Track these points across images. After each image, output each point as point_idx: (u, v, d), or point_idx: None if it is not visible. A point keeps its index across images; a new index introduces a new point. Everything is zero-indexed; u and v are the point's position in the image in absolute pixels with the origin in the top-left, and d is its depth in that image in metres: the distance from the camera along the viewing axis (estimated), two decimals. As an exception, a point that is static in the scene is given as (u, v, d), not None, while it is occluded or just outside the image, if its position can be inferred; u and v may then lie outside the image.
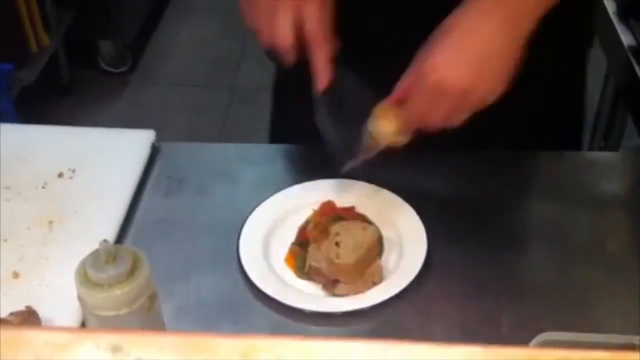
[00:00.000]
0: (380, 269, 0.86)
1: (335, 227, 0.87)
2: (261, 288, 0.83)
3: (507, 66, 0.77)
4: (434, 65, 0.77)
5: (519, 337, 0.76)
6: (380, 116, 0.82)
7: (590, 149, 1.82)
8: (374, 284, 0.84)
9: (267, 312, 0.83)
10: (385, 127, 0.82)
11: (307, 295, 0.84)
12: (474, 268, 0.88)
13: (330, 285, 0.84)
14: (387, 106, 0.82)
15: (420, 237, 0.88)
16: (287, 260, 0.88)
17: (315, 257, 0.85)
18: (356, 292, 0.83)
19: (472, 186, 1.01)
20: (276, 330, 0.81)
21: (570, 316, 0.82)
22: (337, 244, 0.84)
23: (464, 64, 0.77)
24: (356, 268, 0.83)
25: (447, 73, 0.76)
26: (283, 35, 0.80)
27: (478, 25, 0.77)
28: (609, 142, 1.71)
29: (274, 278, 0.85)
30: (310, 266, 0.85)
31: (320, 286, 0.85)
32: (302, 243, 0.88)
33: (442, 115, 0.78)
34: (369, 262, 0.85)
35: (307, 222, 0.90)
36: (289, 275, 0.87)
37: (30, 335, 0.29)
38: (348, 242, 0.84)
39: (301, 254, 0.87)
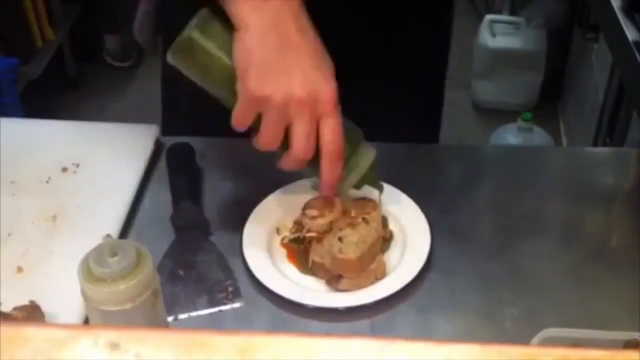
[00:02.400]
0: (383, 264, 0.86)
1: (339, 223, 0.87)
2: (264, 283, 0.83)
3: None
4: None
5: (522, 333, 0.77)
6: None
7: (595, 144, 1.82)
8: (377, 279, 0.84)
9: (271, 307, 0.83)
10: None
11: (310, 291, 0.84)
12: (477, 264, 0.88)
13: (334, 280, 0.84)
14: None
15: (423, 233, 0.88)
16: (289, 256, 0.88)
17: (319, 252, 0.85)
18: (359, 288, 0.83)
19: (476, 182, 1.01)
20: (279, 326, 0.81)
21: (574, 312, 0.82)
22: (340, 239, 0.84)
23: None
24: (359, 263, 0.83)
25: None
26: (304, 149, 0.77)
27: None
28: (614, 137, 1.70)
29: (277, 274, 0.85)
30: (313, 261, 0.85)
31: (323, 282, 0.85)
32: (297, 239, 0.88)
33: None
34: (372, 258, 0.85)
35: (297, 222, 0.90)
36: (293, 271, 0.87)
37: (28, 331, 0.29)
38: (351, 237, 0.84)
39: (298, 249, 0.87)
